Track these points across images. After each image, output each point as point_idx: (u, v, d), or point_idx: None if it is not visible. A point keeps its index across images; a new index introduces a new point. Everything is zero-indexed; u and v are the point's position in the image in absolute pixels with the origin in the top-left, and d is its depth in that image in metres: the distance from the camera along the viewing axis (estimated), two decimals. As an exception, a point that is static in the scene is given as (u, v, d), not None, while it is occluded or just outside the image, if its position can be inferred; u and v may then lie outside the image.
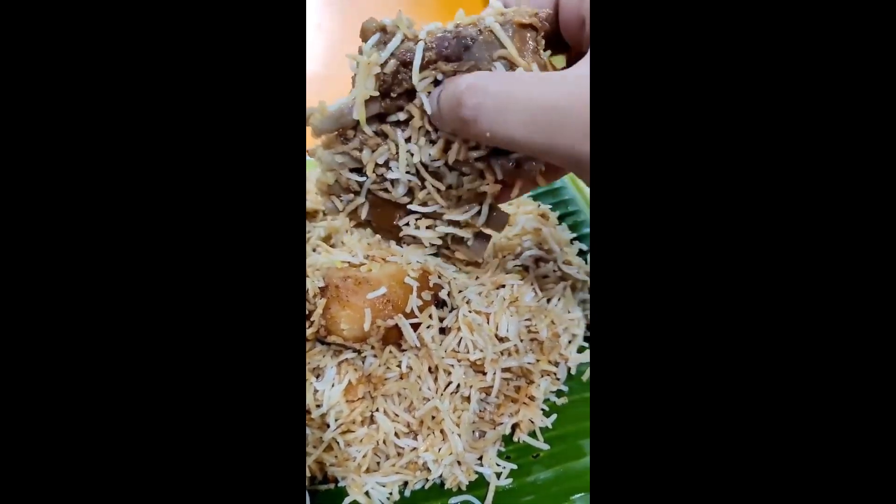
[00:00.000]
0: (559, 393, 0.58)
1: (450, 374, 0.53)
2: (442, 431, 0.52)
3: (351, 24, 0.43)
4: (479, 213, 0.44)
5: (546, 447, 0.54)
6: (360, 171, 0.47)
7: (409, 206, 0.45)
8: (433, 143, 0.43)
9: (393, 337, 0.52)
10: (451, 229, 0.46)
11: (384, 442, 0.52)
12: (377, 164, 0.45)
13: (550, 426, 0.56)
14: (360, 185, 0.47)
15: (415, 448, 0.52)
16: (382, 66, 0.41)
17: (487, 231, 0.49)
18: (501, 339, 0.54)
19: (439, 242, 0.48)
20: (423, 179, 0.44)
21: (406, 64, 0.40)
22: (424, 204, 0.44)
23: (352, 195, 0.48)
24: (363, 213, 0.49)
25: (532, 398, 0.56)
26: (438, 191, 0.44)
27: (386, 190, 0.45)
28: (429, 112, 0.41)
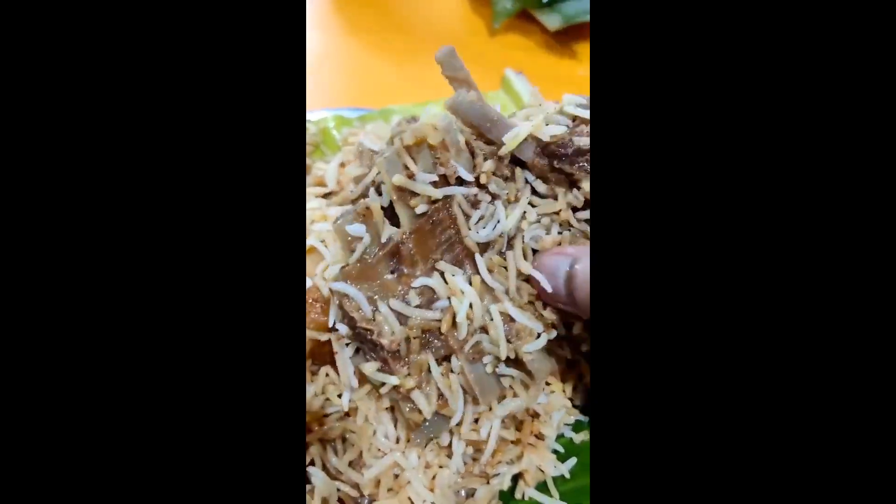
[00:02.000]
0: (577, 426, 0.46)
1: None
2: (410, 499, 0.37)
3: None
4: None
5: (561, 505, 0.42)
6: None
7: (472, 230, 0.40)
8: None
9: (330, 354, 0.37)
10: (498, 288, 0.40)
11: (322, 511, 0.38)
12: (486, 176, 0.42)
13: (567, 475, 0.43)
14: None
15: (368, 521, 0.38)
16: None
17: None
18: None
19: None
20: (511, 246, 0.42)
21: (582, 153, 0.42)
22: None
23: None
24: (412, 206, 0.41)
25: (540, 437, 0.43)
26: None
27: (467, 216, 0.41)
28: (547, 289, 0.40)
